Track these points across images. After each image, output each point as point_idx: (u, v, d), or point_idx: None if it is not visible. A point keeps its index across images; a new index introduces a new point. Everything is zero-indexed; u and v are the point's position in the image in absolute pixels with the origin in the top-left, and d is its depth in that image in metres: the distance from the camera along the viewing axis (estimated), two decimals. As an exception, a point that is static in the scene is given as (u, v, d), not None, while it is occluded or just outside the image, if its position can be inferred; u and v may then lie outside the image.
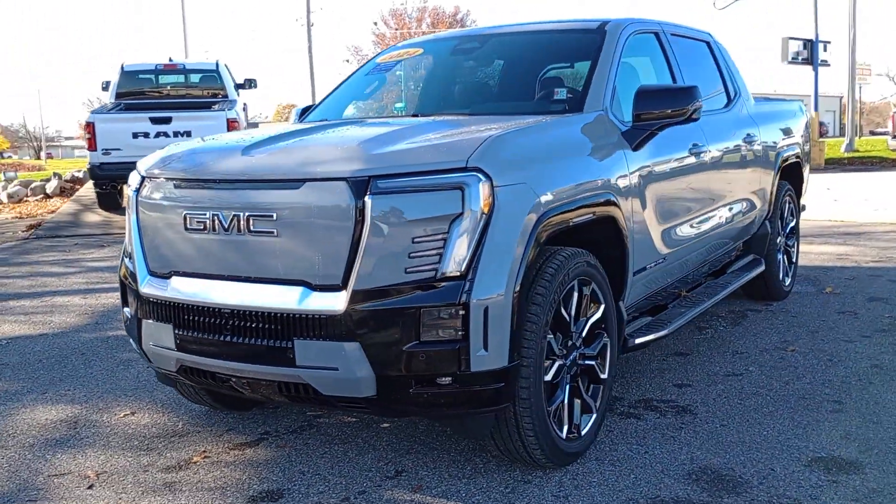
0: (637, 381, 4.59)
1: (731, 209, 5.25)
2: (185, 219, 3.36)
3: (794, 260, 6.57)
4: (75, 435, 4.11)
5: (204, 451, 3.84)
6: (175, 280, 3.44)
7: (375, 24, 56.90)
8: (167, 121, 11.34)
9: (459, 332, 3.01)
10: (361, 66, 5.05)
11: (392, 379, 3.05)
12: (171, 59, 13.37)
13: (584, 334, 3.60)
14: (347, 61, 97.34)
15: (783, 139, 6.14)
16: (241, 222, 3.21)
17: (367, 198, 2.99)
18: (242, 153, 3.39)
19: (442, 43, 5.06)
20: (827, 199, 13.96)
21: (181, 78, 13.28)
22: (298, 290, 3.12)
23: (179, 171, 3.49)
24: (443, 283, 3.00)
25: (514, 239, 3.08)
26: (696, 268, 4.98)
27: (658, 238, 4.21)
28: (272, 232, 3.15)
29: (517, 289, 3.08)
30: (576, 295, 3.48)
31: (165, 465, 3.72)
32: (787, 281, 6.44)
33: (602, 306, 3.67)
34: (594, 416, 3.67)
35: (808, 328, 5.58)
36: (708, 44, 5.60)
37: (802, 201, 7.22)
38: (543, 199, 3.22)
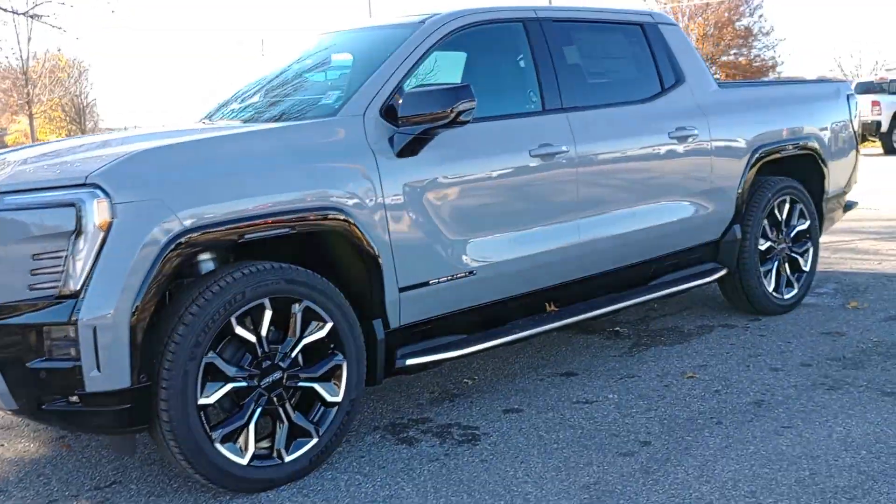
0: (474, 402, 4.26)
1: (640, 214, 4.68)
2: None
3: (805, 268, 5.70)
4: None
5: (69, 440, 4.03)
6: None
7: (645, -3, 55.11)
8: None
9: (73, 352, 2.99)
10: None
11: (25, 394, 3.10)
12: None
13: (293, 355, 3.41)
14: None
15: (768, 129, 5.35)
16: None
17: (-8, 214, 3.04)
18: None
19: (314, 41, 4.85)
20: None
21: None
22: None
23: None
24: (60, 302, 3.00)
25: (133, 257, 3.00)
26: (578, 279, 4.48)
27: (454, 250, 3.87)
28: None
29: (136, 308, 3.00)
30: (268, 313, 3.31)
31: (26, 445, 3.97)
32: (790, 293, 5.61)
33: (328, 325, 3.46)
34: (314, 441, 3.47)
35: (755, 351, 4.85)
36: (642, 27, 4.99)
37: (849, 197, 6.26)
38: (185, 214, 3.09)
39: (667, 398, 4.16)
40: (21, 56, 34.50)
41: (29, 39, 31.88)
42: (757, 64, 54.60)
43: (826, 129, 5.78)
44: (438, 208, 3.80)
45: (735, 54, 55.00)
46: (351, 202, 3.50)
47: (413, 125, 3.65)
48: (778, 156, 5.41)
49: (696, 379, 4.41)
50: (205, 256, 3.41)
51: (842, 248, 7.87)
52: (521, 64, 4.38)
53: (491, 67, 4.45)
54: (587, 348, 5.08)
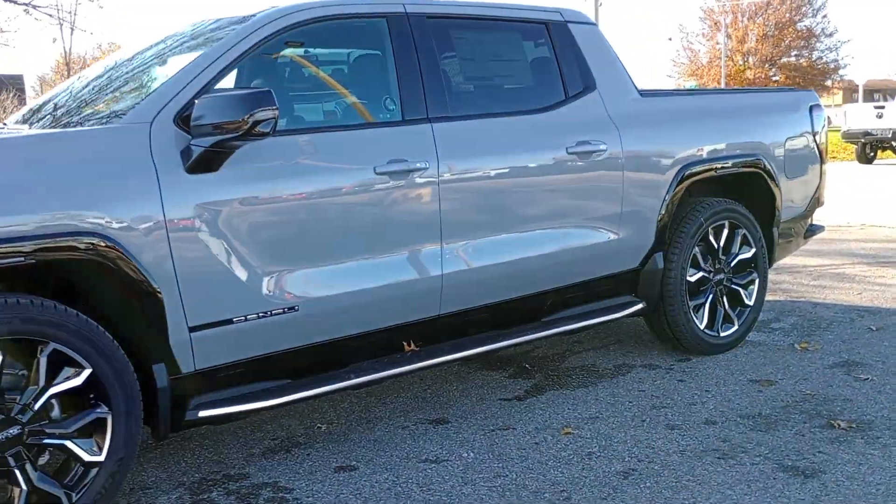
0: (312, 454, 3.72)
1: (526, 241, 4.07)
2: None
3: (749, 302, 5.01)
4: None
5: None
6: None
7: (705, -5, 53.54)
8: None
9: None
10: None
11: None
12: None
13: (37, 406, 2.89)
14: (670, 39, 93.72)
15: (700, 144, 4.68)
16: None
17: None
18: None
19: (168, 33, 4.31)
20: None
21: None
22: None
23: None
24: None
25: None
26: (446, 315, 3.89)
27: (268, 283, 3.32)
28: None
29: None
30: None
31: None
32: (729, 331, 4.93)
33: (86, 371, 2.94)
34: (66, 506, 2.94)
35: (661, 401, 4.21)
36: (547, 26, 4.35)
37: (814, 220, 5.57)
38: None
39: (528, 460, 3.55)
40: (64, 48, 34.68)
41: (72, 31, 32.00)
42: (819, 66, 53.04)
43: (779, 144, 5.09)
44: (246, 234, 3.24)
45: (796, 56, 53.54)
46: (117, 226, 2.96)
47: (206, 136, 3.09)
48: (712, 174, 4.74)
49: (574, 436, 3.79)
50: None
51: (826, 272, 7.12)
52: (379, 67, 3.80)
53: (338, 71, 3.87)
54: (479, 388, 4.48)
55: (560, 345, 5.20)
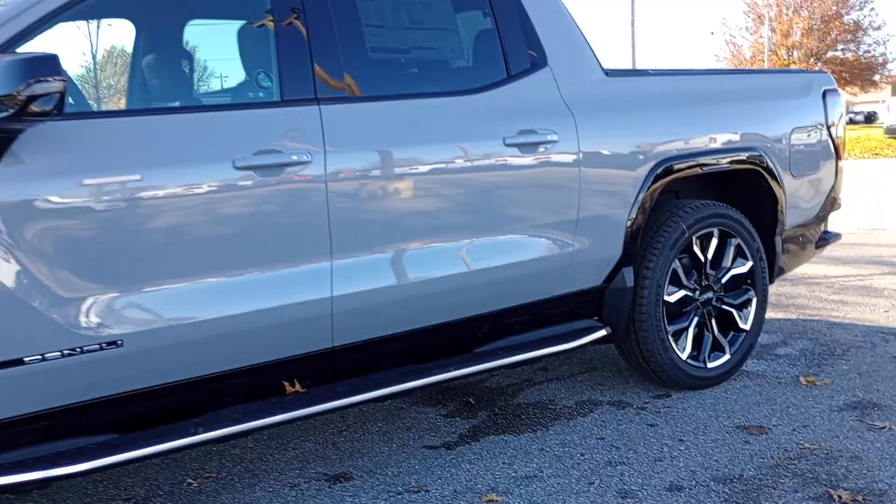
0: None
1: (448, 255, 3.26)
2: None
3: (744, 326, 4.14)
4: None
5: None
6: None
7: (747, -10, 52.07)
8: None
9: None
10: None
11: None
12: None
13: None
14: (713, 33, 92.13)
15: (683, 134, 3.83)
16: None
17: None
18: None
19: None
20: None
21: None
22: None
23: None
24: None
25: None
26: (341, 348, 3.10)
27: (75, 311, 2.55)
28: None
29: None
30: None
31: None
32: (718, 360, 4.08)
33: None
34: None
35: (622, 453, 3.38)
36: (490, -13, 3.52)
37: (828, 227, 4.68)
38: None
39: (426, 541, 2.73)
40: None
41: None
42: (866, 60, 51.52)
43: (784, 135, 4.21)
44: (40, 248, 2.48)
45: (842, 50, 52.08)
46: None
47: (-25, 117, 2.32)
48: (698, 171, 3.88)
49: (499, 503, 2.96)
50: None
51: (850, 285, 6.20)
52: (252, 34, 2.99)
53: (195, 40, 3.07)
54: (405, 431, 3.68)
55: (520, 373, 4.38)
